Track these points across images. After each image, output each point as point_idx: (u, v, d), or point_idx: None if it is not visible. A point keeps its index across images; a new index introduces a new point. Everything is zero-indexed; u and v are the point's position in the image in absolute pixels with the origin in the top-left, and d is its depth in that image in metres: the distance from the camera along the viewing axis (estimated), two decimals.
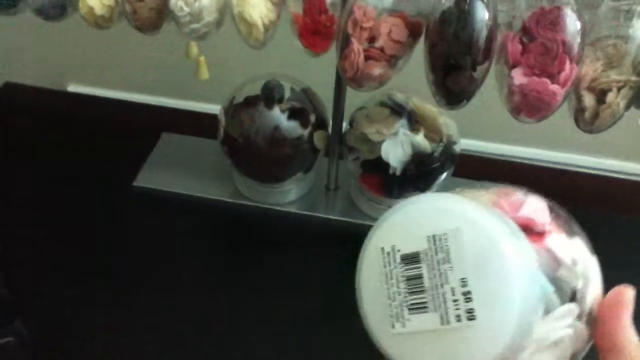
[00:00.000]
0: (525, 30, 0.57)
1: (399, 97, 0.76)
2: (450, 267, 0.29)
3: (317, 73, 0.75)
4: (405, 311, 0.30)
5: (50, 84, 1.14)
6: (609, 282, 0.35)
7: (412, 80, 0.65)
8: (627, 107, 0.57)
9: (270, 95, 0.77)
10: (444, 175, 0.76)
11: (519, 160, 1.01)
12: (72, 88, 1.18)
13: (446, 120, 0.76)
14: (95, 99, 1.09)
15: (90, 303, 0.72)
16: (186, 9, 0.62)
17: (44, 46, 1.12)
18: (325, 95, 0.79)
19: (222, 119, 0.79)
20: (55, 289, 0.73)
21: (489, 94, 0.61)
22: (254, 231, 0.82)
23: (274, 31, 0.65)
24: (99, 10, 0.65)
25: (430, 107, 0.76)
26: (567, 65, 0.55)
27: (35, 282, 0.74)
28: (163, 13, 0.66)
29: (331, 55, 0.64)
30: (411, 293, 0.30)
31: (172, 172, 0.87)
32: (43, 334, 0.69)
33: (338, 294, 0.52)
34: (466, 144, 0.82)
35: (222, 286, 0.75)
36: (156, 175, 0.87)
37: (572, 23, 0.54)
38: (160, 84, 1.11)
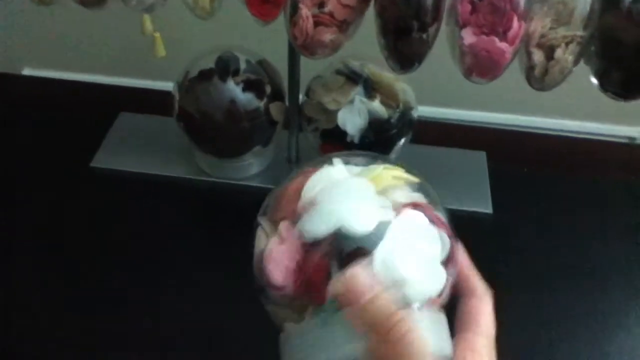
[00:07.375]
0: None
1: (355, 64, 0.75)
2: None
3: (276, 44, 0.74)
4: None
5: (5, 68, 1.11)
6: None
7: (370, 46, 0.64)
8: (575, 63, 0.58)
9: (224, 68, 0.75)
10: (402, 141, 0.76)
11: (478, 125, 1.01)
12: (27, 72, 1.15)
13: (403, 86, 0.76)
14: (51, 81, 1.06)
15: (52, 285, 0.71)
16: None
17: None
18: (285, 67, 0.77)
19: (176, 94, 0.77)
20: (12, 272, 0.72)
21: (446, 60, 0.61)
22: (216, 207, 0.81)
23: (221, 0, 0.64)
24: None
25: (386, 73, 0.75)
26: (515, 23, 0.55)
27: None
28: None
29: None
30: None
31: (130, 152, 0.85)
32: None
33: None
34: (425, 110, 0.81)
35: (188, 262, 0.74)
36: (114, 156, 0.85)
37: None
38: (116, 64, 1.09)
